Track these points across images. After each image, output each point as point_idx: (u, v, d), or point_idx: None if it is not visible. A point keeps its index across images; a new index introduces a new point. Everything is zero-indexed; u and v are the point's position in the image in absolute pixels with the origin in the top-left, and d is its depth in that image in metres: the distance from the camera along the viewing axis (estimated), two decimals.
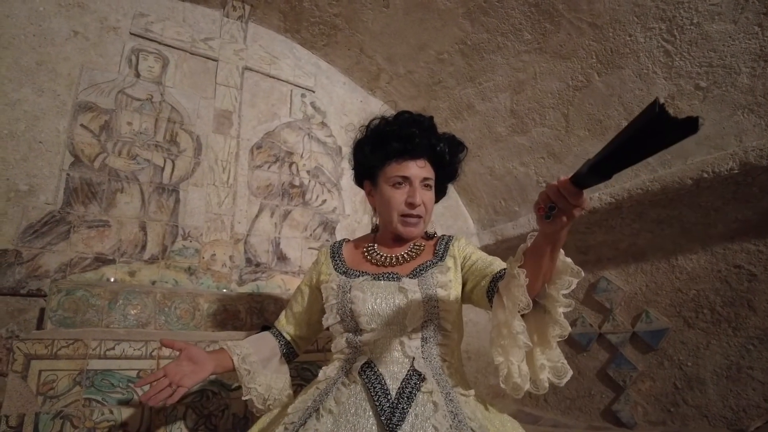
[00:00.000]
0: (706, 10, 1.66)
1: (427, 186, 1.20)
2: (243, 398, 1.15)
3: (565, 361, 0.93)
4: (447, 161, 1.25)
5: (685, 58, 1.77)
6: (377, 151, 1.21)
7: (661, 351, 2.05)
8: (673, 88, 1.84)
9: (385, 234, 1.27)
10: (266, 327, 1.37)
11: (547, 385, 0.93)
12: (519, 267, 0.87)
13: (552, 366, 0.93)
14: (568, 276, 0.87)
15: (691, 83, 1.79)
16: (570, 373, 0.92)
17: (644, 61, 1.87)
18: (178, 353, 1.09)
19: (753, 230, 1.82)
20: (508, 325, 0.89)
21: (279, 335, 1.30)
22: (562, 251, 0.88)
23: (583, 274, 0.86)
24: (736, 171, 1.69)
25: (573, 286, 0.87)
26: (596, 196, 2.15)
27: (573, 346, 2.44)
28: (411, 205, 1.17)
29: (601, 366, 2.30)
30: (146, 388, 1.28)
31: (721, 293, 1.89)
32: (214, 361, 1.12)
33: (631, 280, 2.23)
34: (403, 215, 1.18)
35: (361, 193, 1.33)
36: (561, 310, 0.88)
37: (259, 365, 1.18)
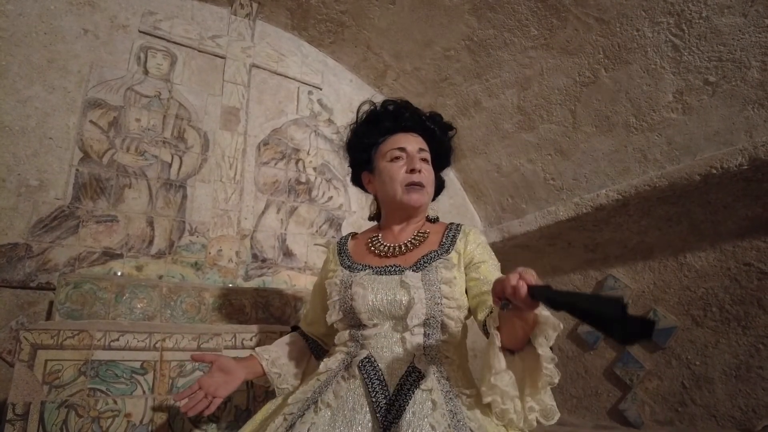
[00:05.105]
0: (716, 4, 1.63)
1: (424, 159, 1.21)
2: None
3: (554, 403, 0.91)
4: (438, 136, 1.27)
5: (694, 52, 1.74)
6: (371, 131, 1.26)
7: (668, 350, 2.03)
8: (682, 83, 1.81)
9: (389, 219, 1.26)
10: (296, 327, 1.40)
11: (535, 424, 0.92)
12: (496, 328, 0.87)
13: (541, 409, 0.92)
14: (550, 330, 0.85)
15: (700, 78, 1.76)
16: (558, 415, 0.92)
17: (652, 56, 1.85)
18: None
19: (763, 227, 1.78)
20: (498, 376, 0.88)
21: (304, 334, 1.33)
22: (541, 306, 0.86)
23: (561, 327, 0.85)
24: (746, 167, 1.66)
25: (552, 341, 0.85)
26: (603, 192, 2.13)
27: (580, 344, 2.42)
28: (411, 172, 1.18)
29: (608, 364, 2.27)
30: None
31: (730, 291, 1.86)
32: (245, 368, 1.17)
33: (638, 278, 2.21)
34: (406, 184, 1.18)
35: None
36: (546, 364, 0.86)
37: (289, 366, 1.22)
